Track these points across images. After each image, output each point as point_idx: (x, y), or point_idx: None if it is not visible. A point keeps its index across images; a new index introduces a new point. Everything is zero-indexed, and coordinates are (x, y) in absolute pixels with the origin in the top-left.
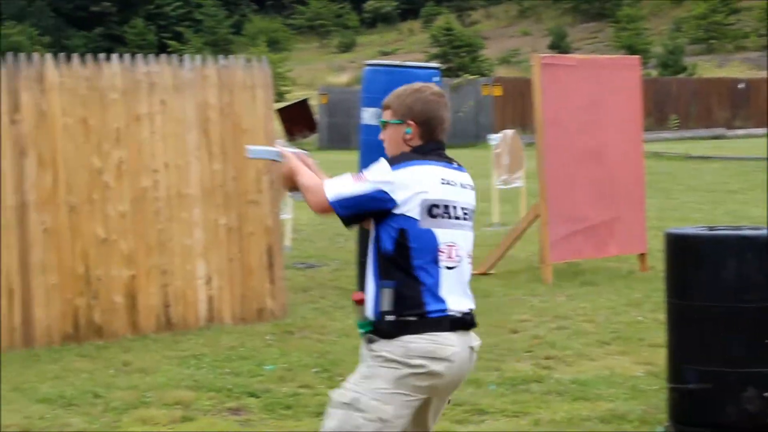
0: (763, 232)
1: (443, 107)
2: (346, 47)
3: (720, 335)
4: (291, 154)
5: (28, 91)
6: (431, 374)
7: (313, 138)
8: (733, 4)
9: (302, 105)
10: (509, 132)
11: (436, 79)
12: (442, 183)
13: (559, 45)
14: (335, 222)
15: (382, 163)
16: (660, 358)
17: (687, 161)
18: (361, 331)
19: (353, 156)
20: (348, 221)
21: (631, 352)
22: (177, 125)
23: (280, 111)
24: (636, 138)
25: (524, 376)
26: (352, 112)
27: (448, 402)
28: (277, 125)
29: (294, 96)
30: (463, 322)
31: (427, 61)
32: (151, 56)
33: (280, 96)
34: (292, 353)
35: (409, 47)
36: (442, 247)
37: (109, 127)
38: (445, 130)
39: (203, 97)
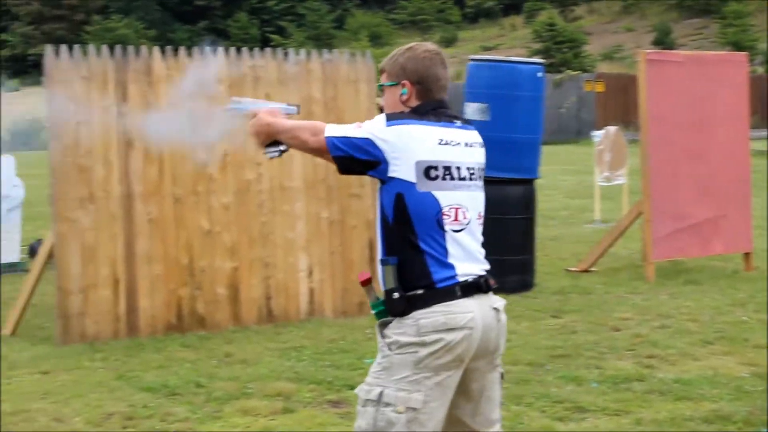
0: None
1: (438, 64)
2: (448, 42)
3: None
4: (263, 110)
5: (135, 84)
6: (450, 347)
7: None
8: None
9: None
10: (612, 129)
11: (540, 74)
12: (440, 144)
13: (663, 41)
14: None
15: (380, 117)
16: (765, 359)
17: None
18: (374, 312)
19: None
20: (340, 164)
21: (735, 352)
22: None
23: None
24: (742, 135)
25: (626, 375)
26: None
27: (502, 376)
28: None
29: None
30: (478, 286)
31: (529, 56)
32: (256, 50)
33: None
34: None
35: (511, 42)
36: (445, 210)
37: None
38: (444, 88)
39: (307, 91)
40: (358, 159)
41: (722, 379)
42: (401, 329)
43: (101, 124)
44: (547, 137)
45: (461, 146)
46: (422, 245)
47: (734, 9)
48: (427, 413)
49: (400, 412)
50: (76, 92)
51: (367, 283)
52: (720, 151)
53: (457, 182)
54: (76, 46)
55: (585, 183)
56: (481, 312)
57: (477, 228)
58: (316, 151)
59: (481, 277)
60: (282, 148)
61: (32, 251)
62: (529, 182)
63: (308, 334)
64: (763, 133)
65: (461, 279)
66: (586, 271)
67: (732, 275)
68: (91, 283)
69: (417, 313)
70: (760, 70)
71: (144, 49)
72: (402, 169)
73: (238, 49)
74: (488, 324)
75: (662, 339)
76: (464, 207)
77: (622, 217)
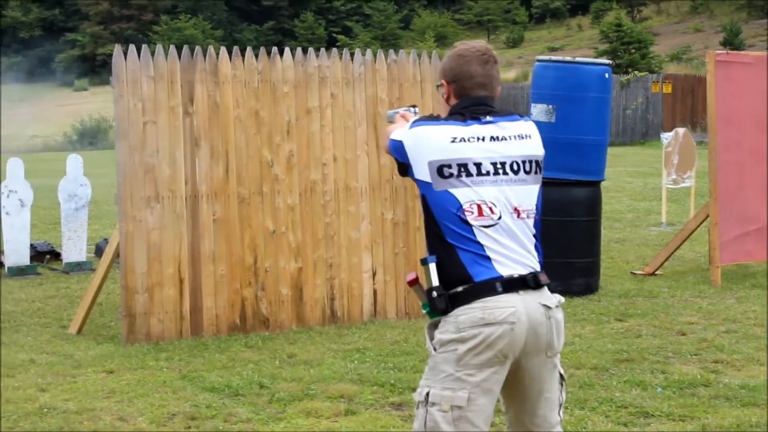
0: None
1: (474, 61)
2: (514, 43)
3: None
4: (397, 114)
5: (202, 84)
6: (490, 343)
7: None
8: None
9: None
10: (681, 130)
11: (607, 75)
12: (452, 142)
13: (732, 42)
14: None
15: (411, 120)
16: None
17: None
18: (425, 311)
19: None
20: (397, 165)
21: None
22: (347, 119)
23: None
24: None
25: (691, 380)
26: (518, 108)
27: (562, 378)
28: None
29: None
30: (524, 282)
31: (596, 57)
32: (322, 50)
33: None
34: None
35: (578, 43)
36: (466, 206)
37: (280, 119)
38: (481, 85)
39: (373, 91)
40: (398, 161)
41: None
42: (444, 327)
43: (168, 123)
44: (613, 138)
45: (485, 141)
46: (453, 242)
47: None
48: (473, 411)
49: (445, 411)
50: (143, 92)
51: (414, 283)
52: None
53: (475, 178)
54: (144, 46)
55: (651, 185)
56: (526, 308)
57: (516, 223)
58: (388, 154)
59: (528, 273)
60: None
61: (98, 250)
62: (595, 184)
63: (371, 335)
64: None
65: (505, 275)
66: (651, 274)
67: None
68: (156, 283)
69: (457, 310)
70: None
71: (211, 49)
72: (420, 170)
73: (305, 50)
74: (536, 320)
75: (728, 344)
76: (489, 202)
77: (689, 219)
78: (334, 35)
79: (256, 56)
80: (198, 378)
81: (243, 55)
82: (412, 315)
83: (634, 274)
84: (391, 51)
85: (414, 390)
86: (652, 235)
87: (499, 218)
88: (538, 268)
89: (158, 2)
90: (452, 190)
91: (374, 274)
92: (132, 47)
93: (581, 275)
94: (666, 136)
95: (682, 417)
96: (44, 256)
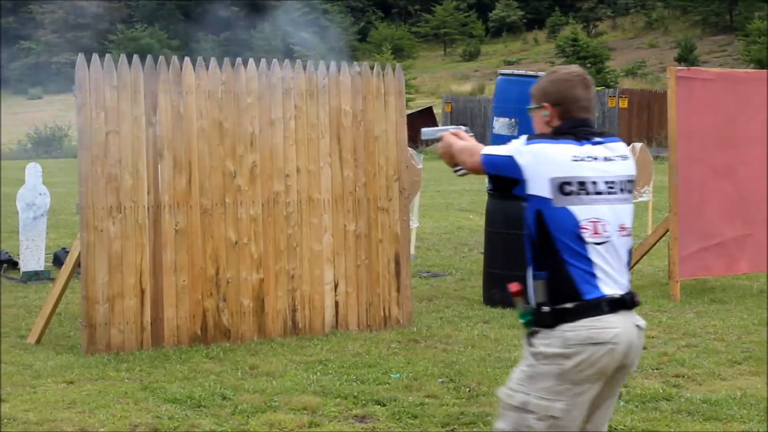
0: None
1: (578, 86)
2: (471, 56)
3: None
4: (448, 132)
5: (165, 94)
6: (593, 361)
7: (436, 146)
8: None
9: (426, 113)
10: (638, 145)
11: None
12: (574, 160)
13: (687, 57)
14: (460, 232)
15: (522, 137)
16: None
17: None
18: (522, 321)
19: None
20: (492, 182)
21: (763, 372)
22: (311, 130)
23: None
24: None
25: (653, 394)
26: (476, 121)
27: (620, 393)
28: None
29: (418, 104)
30: (623, 302)
31: None
32: (287, 61)
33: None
34: (417, 362)
35: (534, 57)
36: (583, 223)
37: (244, 130)
38: (585, 108)
39: (337, 103)
40: (503, 177)
41: (751, 399)
42: (548, 340)
43: (131, 133)
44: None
45: (598, 161)
46: (567, 259)
47: (758, 26)
48: (567, 421)
49: (540, 420)
50: (106, 101)
51: (518, 294)
52: (747, 170)
53: (593, 196)
54: (108, 56)
55: None
56: (625, 328)
57: (620, 241)
58: (475, 171)
59: (627, 293)
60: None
61: (57, 260)
62: None
63: (333, 347)
64: None
65: (608, 294)
66: None
67: (758, 294)
68: (117, 293)
69: (564, 326)
70: None
71: (175, 59)
72: (538, 186)
73: (269, 61)
74: (631, 341)
75: (689, 358)
76: (603, 220)
77: (648, 234)
78: (291, 46)
79: (220, 66)
80: (159, 389)
81: (207, 65)
82: (374, 327)
83: None
84: (354, 63)
85: (378, 402)
86: None
87: (609, 236)
88: (629, 286)
89: (114, 12)
90: (571, 207)
91: (336, 286)
92: (95, 56)
93: None
94: None
95: (645, 431)
96: (2, 265)
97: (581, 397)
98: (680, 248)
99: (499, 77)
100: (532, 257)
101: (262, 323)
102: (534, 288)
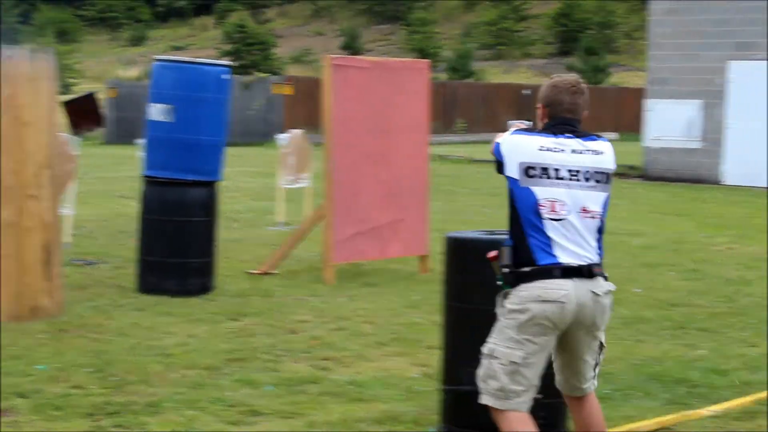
0: None
1: (564, 92)
2: (137, 41)
3: None
4: (514, 124)
5: None
6: (545, 317)
7: (99, 132)
8: (523, 12)
9: (88, 98)
10: (297, 132)
11: (226, 76)
12: (540, 149)
13: (352, 46)
14: (119, 219)
15: (511, 129)
16: (436, 360)
17: (471, 164)
18: (499, 283)
19: (140, 151)
20: (496, 165)
21: (408, 353)
22: None
23: (66, 104)
24: (422, 141)
25: (301, 377)
26: (141, 107)
27: (601, 346)
28: (62, 118)
29: (82, 89)
30: (578, 271)
31: (218, 57)
32: None
33: (67, 88)
34: (66, 352)
35: (202, 43)
36: (541, 201)
37: None
38: (568, 110)
39: None
40: (496, 161)
41: (394, 380)
42: (511, 299)
43: None
44: (234, 139)
45: (565, 152)
46: (527, 230)
47: (420, 16)
48: (526, 366)
49: (504, 365)
50: None
51: (494, 259)
52: (401, 157)
53: (554, 180)
54: None
55: (270, 185)
56: (576, 291)
57: (580, 221)
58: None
59: (584, 264)
60: None
61: None
62: (211, 184)
63: None
64: (443, 138)
65: (564, 263)
66: (266, 273)
67: (409, 278)
68: None
69: (521, 286)
70: (443, 77)
71: None
72: (511, 168)
73: None
74: (583, 302)
75: (338, 341)
76: (561, 201)
77: (304, 219)
78: None
79: None
80: None
81: None
82: (22, 318)
83: (250, 273)
84: (5, 47)
85: (22, 395)
86: (270, 234)
87: (567, 215)
88: (595, 260)
89: None
90: (533, 188)
91: None
92: None
93: (197, 275)
94: (282, 138)
95: (290, 414)
96: None
97: (538, 346)
98: (335, 233)
99: (155, 63)
100: (509, 229)
101: None
102: (502, 253)
